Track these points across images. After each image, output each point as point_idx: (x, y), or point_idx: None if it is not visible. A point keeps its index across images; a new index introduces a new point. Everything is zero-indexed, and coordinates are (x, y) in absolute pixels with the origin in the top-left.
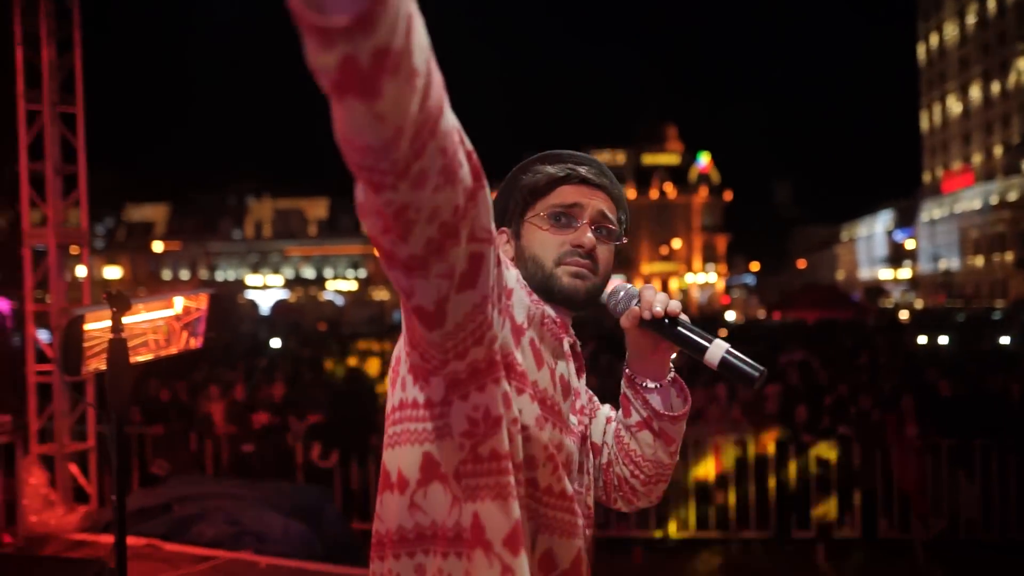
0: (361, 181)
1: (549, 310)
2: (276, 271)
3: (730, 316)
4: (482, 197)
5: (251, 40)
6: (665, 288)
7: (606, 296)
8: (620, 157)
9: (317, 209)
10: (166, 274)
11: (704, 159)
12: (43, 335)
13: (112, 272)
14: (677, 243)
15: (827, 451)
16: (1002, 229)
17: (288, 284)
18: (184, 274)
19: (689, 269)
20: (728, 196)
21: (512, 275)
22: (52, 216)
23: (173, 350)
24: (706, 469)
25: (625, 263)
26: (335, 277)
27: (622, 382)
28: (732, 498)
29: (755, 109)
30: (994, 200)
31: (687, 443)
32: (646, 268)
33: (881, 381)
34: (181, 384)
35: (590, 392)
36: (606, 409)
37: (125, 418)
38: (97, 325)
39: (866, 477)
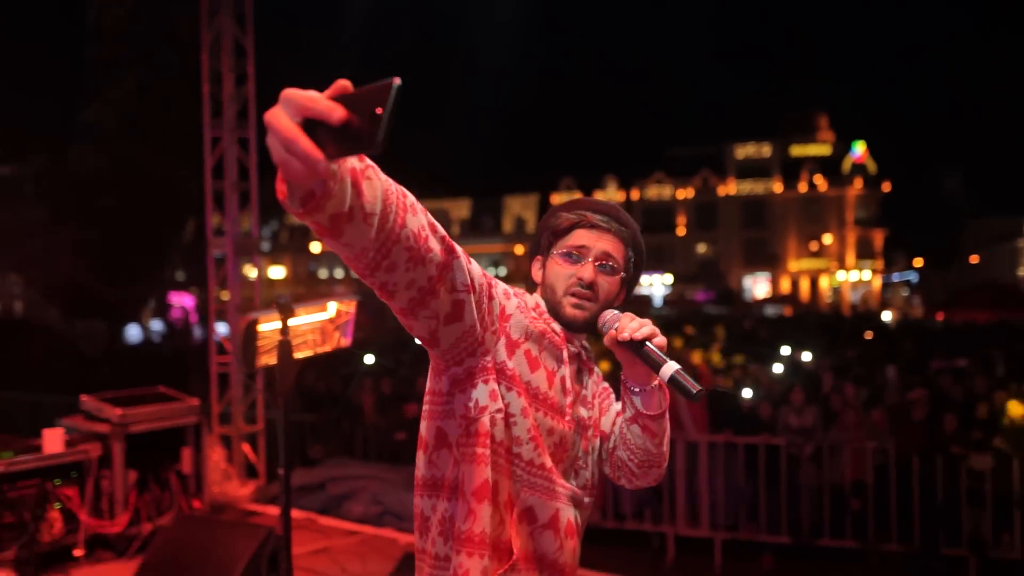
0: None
1: (556, 326)
2: None
3: (886, 316)
4: (456, 264)
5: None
6: (815, 286)
7: (599, 321)
8: (766, 150)
9: (460, 209)
10: (322, 273)
11: (859, 148)
12: (221, 329)
13: (276, 272)
14: (828, 239)
15: (980, 463)
16: None
17: None
18: (338, 273)
19: (842, 266)
20: (887, 187)
21: (512, 303)
22: (230, 227)
23: (327, 348)
24: (841, 476)
25: (771, 260)
26: None
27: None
28: (871, 508)
29: (918, 91)
30: None
31: (822, 449)
32: (793, 265)
33: None
34: (334, 378)
35: (608, 388)
36: (617, 404)
37: (290, 405)
38: (268, 327)
39: None
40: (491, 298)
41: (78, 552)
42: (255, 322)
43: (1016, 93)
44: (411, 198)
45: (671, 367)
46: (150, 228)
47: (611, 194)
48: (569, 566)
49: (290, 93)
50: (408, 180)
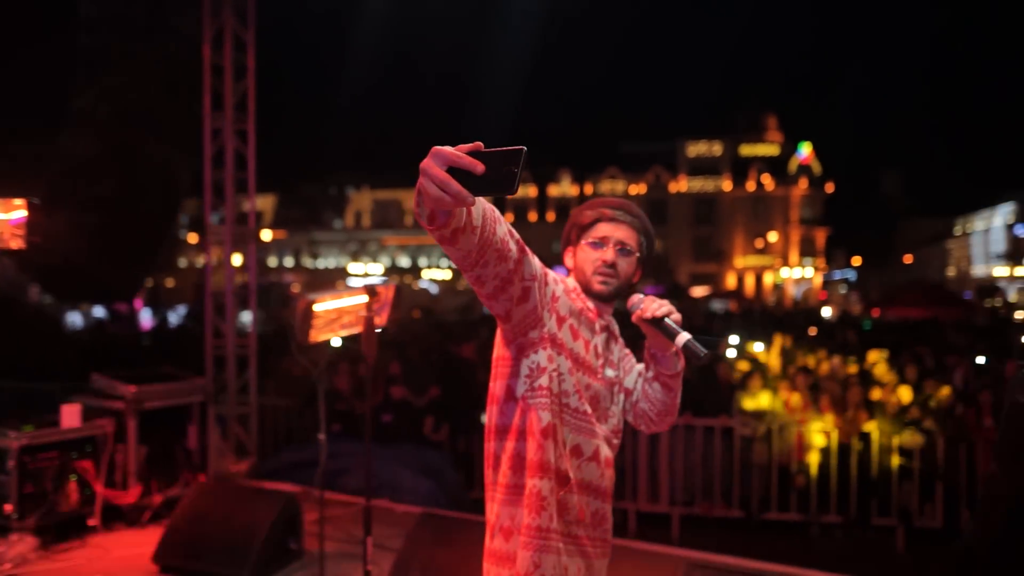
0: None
1: (590, 303)
2: (374, 259)
3: (826, 312)
4: (525, 260)
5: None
6: (759, 282)
7: (628, 303)
8: (716, 148)
9: (413, 201)
10: (272, 261)
11: (805, 149)
12: (245, 317)
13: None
14: (773, 236)
15: (910, 442)
16: None
17: (385, 272)
18: (288, 261)
19: (785, 263)
20: (830, 188)
21: (560, 288)
22: (230, 215)
23: (361, 329)
24: (789, 455)
25: (718, 256)
26: (429, 266)
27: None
28: (812, 483)
29: (862, 96)
30: None
31: (772, 429)
32: (739, 261)
33: (970, 380)
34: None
35: (630, 353)
36: (639, 366)
37: (378, 376)
38: (322, 306)
39: (949, 469)
40: (546, 284)
41: (93, 521)
42: (312, 302)
43: (952, 101)
44: (497, 212)
45: (684, 337)
46: (145, 215)
47: (565, 188)
48: (608, 490)
49: (439, 149)
50: (361, 170)
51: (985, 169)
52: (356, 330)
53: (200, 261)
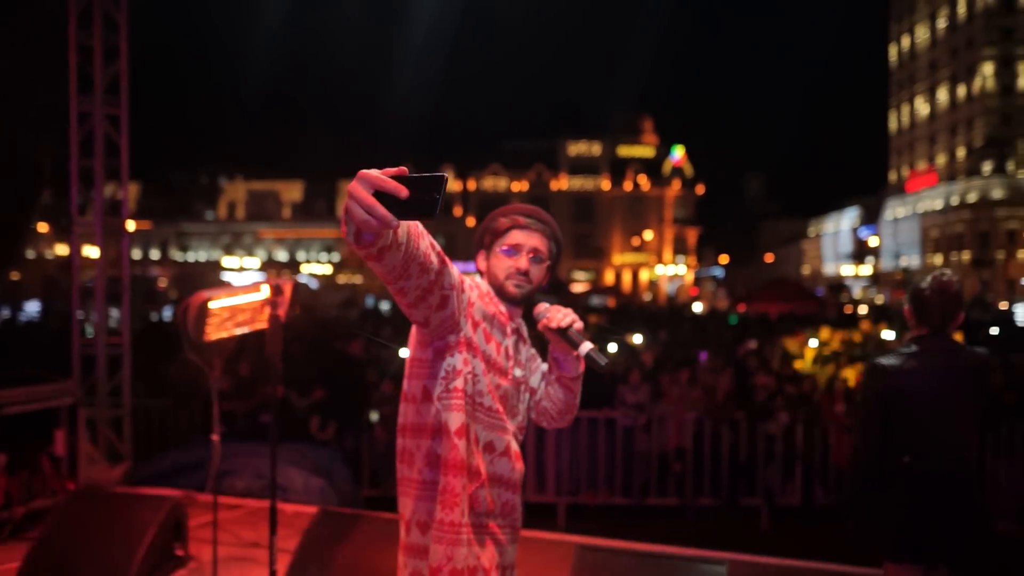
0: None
1: (502, 307)
2: (249, 253)
3: (697, 307)
4: (445, 271)
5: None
6: (636, 278)
7: (535, 311)
8: (596, 148)
9: (291, 192)
10: (135, 253)
11: (678, 152)
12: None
13: (92, 251)
14: (649, 235)
15: (773, 428)
16: (961, 229)
17: (262, 266)
18: (154, 254)
19: (660, 260)
20: (700, 190)
21: (475, 294)
22: (99, 205)
23: (261, 326)
24: (666, 443)
25: (597, 253)
26: (308, 261)
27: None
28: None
29: (730, 105)
30: (955, 201)
31: (652, 419)
32: (617, 259)
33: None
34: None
35: (535, 354)
36: (544, 366)
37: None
38: (218, 304)
39: (807, 451)
40: (463, 291)
41: None
42: (208, 300)
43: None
44: (420, 227)
45: (587, 346)
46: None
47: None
48: (519, 482)
49: (365, 173)
50: (234, 160)
51: (835, 176)
52: (252, 328)
53: (52, 252)
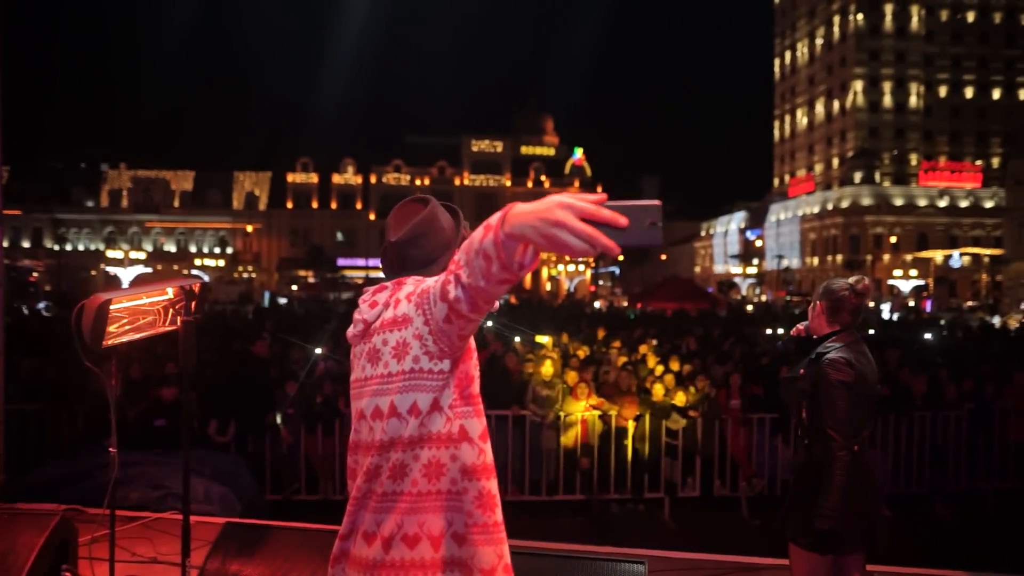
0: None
1: None
2: (135, 245)
3: (597, 304)
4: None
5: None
6: (537, 276)
7: None
8: (498, 146)
9: (182, 181)
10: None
11: (578, 152)
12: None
13: None
14: None
15: (675, 424)
16: (835, 233)
17: (150, 258)
18: (25, 244)
19: (560, 258)
20: (600, 189)
21: None
22: None
23: (168, 328)
24: (573, 441)
25: None
26: (199, 253)
27: None
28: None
29: (626, 109)
30: (830, 206)
31: (561, 419)
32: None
33: (719, 364)
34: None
35: None
36: None
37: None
38: (119, 307)
39: (706, 445)
40: None
41: None
42: (108, 302)
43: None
44: None
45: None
46: None
47: (349, 178)
48: None
49: (568, 203)
50: (117, 146)
51: (726, 179)
52: (155, 332)
53: None
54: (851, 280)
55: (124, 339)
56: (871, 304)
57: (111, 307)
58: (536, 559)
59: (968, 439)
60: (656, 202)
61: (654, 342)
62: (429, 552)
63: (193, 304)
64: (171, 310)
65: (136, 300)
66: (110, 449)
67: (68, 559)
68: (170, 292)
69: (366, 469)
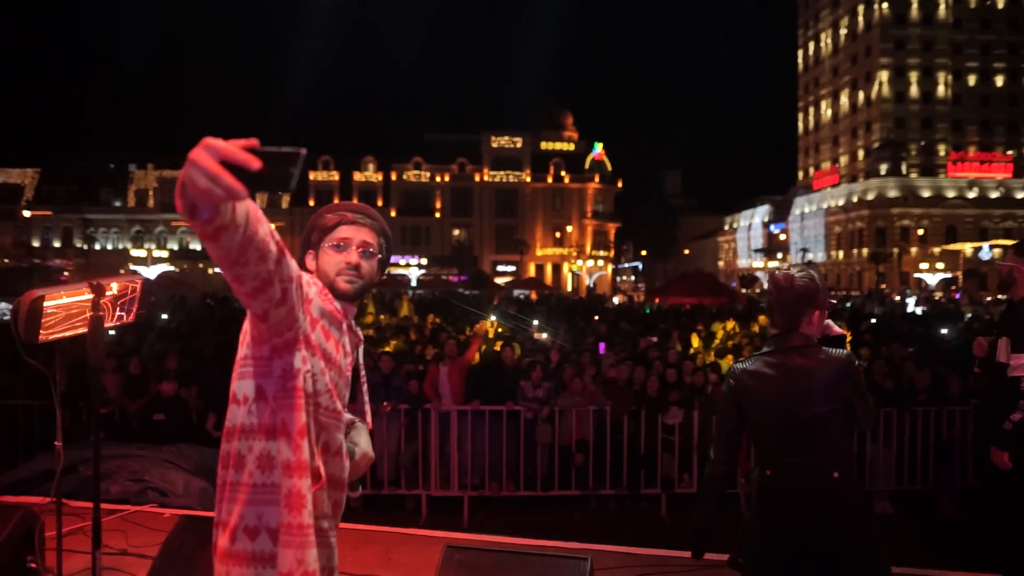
0: (233, 282)
1: (337, 305)
2: (160, 244)
3: (616, 300)
4: (284, 261)
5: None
6: (557, 271)
7: None
8: (518, 142)
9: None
10: (35, 241)
11: (598, 148)
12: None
13: None
14: (570, 228)
15: (672, 419)
16: (861, 226)
17: (174, 256)
18: (56, 243)
19: (581, 254)
20: (620, 184)
21: (313, 291)
22: None
23: (108, 324)
24: (569, 436)
25: (520, 246)
26: None
27: None
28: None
29: (647, 103)
30: (855, 199)
31: (554, 413)
32: (540, 252)
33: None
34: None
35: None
36: None
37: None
38: (53, 303)
39: (703, 441)
40: (300, 287)
41: None
42: (41, 298)
43: (725, 111)
44: (260, 211)
45: None
46: None
47: (370, 175)
48: (346, 481)
49: (211, 141)
50: (143, 146)
51: (749, 173)
52: (89, 327)
53: None
54: (771, 275)
55: (62, 335)
56: (896, 298)
57: (45, 303)
58: (480, 555)
59: (974, 435)
60: (299, 150)
61: (654, 337)
62: (269, 545)
63: (128, 301)
64: (116, 307)
65: (69, 298)
66: (56, 444)
67: (33, 551)
68: (115, 288)
69: (220, 456)
